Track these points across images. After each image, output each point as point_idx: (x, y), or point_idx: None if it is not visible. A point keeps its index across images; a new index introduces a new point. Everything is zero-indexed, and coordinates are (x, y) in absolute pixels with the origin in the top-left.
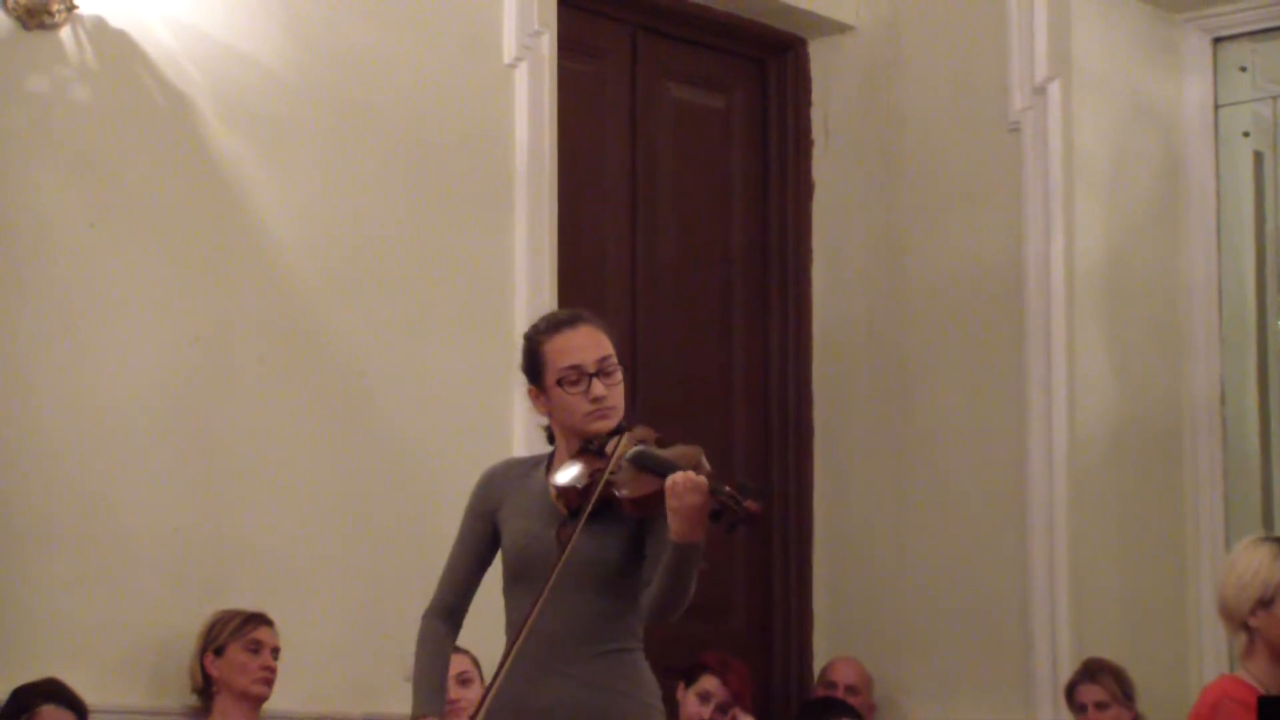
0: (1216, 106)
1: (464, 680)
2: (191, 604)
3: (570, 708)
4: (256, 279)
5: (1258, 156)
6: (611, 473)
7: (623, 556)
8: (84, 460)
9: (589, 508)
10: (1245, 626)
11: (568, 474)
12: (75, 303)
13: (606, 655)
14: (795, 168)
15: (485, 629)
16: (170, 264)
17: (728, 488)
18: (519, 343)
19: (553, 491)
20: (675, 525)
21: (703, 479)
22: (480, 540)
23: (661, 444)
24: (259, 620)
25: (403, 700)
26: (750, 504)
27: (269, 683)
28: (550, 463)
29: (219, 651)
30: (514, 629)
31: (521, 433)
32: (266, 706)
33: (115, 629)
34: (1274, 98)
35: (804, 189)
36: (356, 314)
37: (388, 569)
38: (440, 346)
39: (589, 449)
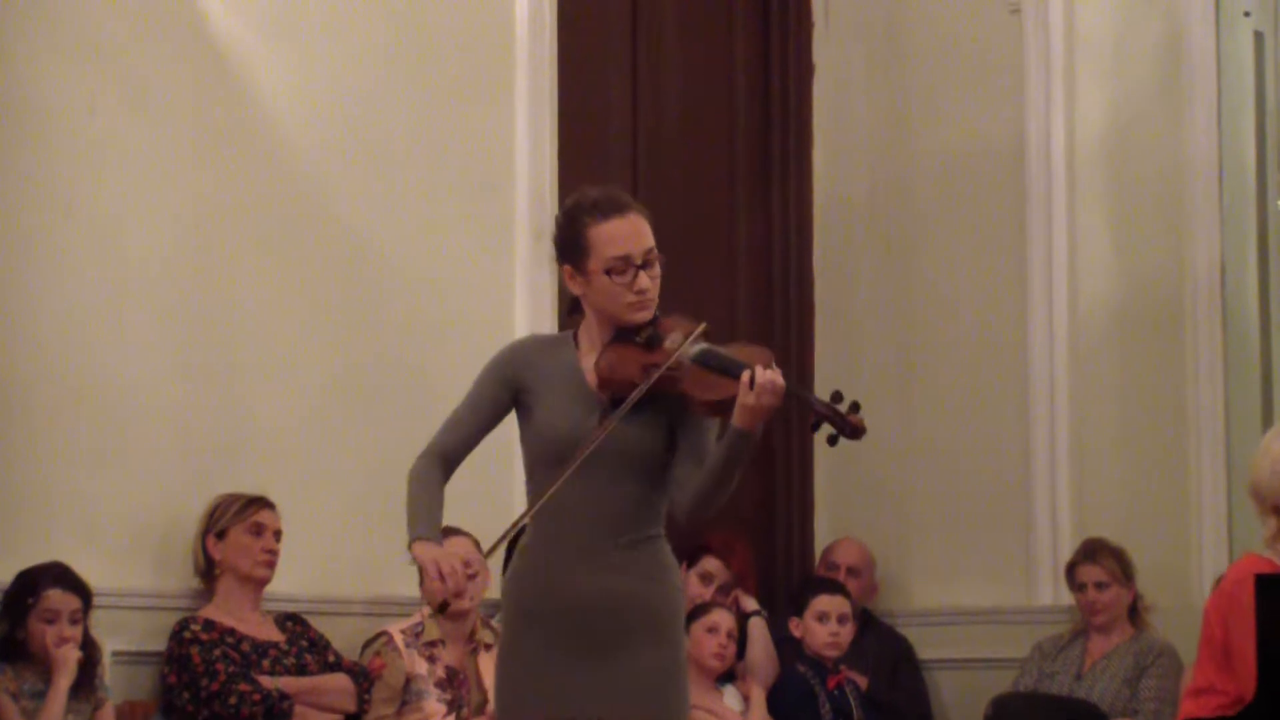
0: None
1: (467, 563)
2: (195, 487)
3: (606, 594)
4: (257, 160)
5: (1258, 36)
6: (670, 368)
7: (664, 447)
8: (86, 343)
9: (634, 400)
10: (1276, 511)
11: (612, 362)
12: (77, 187)
13: (639, 544)
14: (796, 49)
15: (487, 513)
16: (171, 145)
17: (827, 402)
18: (521, 221)
19: (592, 377)
20: (742, 418)
21: (781, 381)
22: (495, 404)
23: (708, 337)
24: (261, 503)
25: (407, 582)
26: (855, 418)
27: (271, 565)
28: (576, 341)
29: (221, 535)
30: (546, 516)
31: (523, 311)
32: (269, 589)
33: (119, 512)
34: None
35: (805, 70)
36: (357, 193)
37: (390, 451)
38: (442, 225)
39: (636, 340)
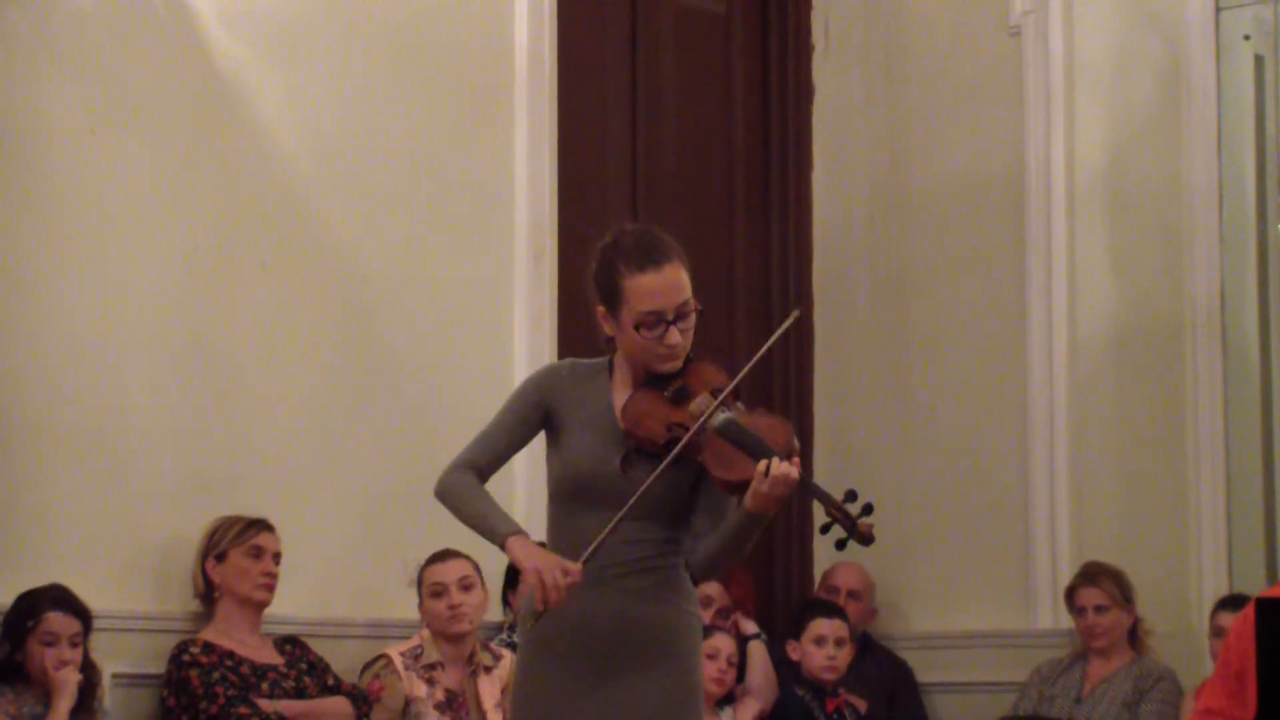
0: (1217, 9)
1: (466, 585)
2: (194, 509)
3: (619, 618)
4: (258, 185)
5: (1258, 60)
6: (695, 433)
7: (684, 496)
8: (86, 366)
9: (667, 461)
10: None
11: (640, 411)
12: (77, 208)
13: (654, 571)
14: (795, 72)
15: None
16: (172, 169)
17: (838, 502)
18: (521, 246)
19: (621, 422)
20: (754, 503)
21: (795, 474)
22: (527, 425)
23: (734, 395)
24: (260, 526)
25: (406, 604)
26: (864, 523)
27: (270, 588)
28: (611, 372)
29: (221, 557)
30: (567, 546)
31: (522, 336)
32: (268, 611)
33: (118, 534)
34: (1275, 0)
35: (804, 93)
36: (358, 220)
37: (390, 475)
38: (442, 254)
39: (663, 391)
